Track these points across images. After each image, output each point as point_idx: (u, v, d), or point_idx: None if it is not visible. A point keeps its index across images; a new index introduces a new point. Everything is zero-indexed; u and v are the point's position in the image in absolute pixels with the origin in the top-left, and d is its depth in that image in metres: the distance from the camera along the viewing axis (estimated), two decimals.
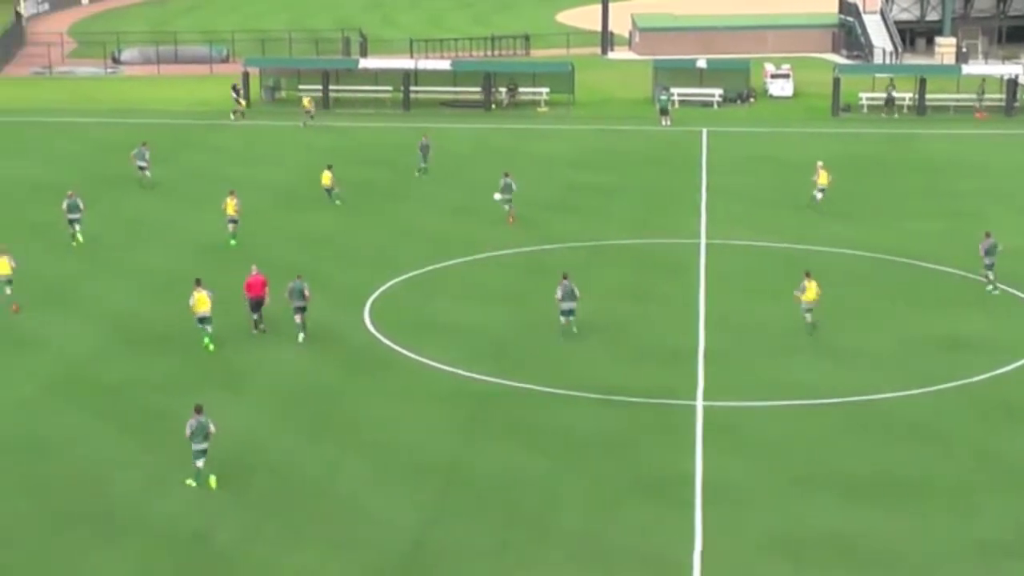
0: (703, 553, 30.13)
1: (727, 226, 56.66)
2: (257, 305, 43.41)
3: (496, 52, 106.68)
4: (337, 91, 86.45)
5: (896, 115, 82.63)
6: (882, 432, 36.53)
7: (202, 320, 42.28)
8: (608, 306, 46.30)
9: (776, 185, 64.51)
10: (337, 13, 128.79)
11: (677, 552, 30.19)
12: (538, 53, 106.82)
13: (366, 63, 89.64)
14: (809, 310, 43.58)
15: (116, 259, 52.00)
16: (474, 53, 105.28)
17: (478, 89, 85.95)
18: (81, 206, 53.66)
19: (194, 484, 33.15)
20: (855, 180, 64.29)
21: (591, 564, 29.82)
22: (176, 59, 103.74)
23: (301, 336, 42.60)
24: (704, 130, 77.82)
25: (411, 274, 49.81)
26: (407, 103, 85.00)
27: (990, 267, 47.46)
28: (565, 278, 43.43)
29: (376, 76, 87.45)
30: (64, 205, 53.73)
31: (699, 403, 38.33)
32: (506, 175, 57.74)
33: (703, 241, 54.61)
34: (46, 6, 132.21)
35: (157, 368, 40.87)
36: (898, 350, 42.60)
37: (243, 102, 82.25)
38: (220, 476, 33.39)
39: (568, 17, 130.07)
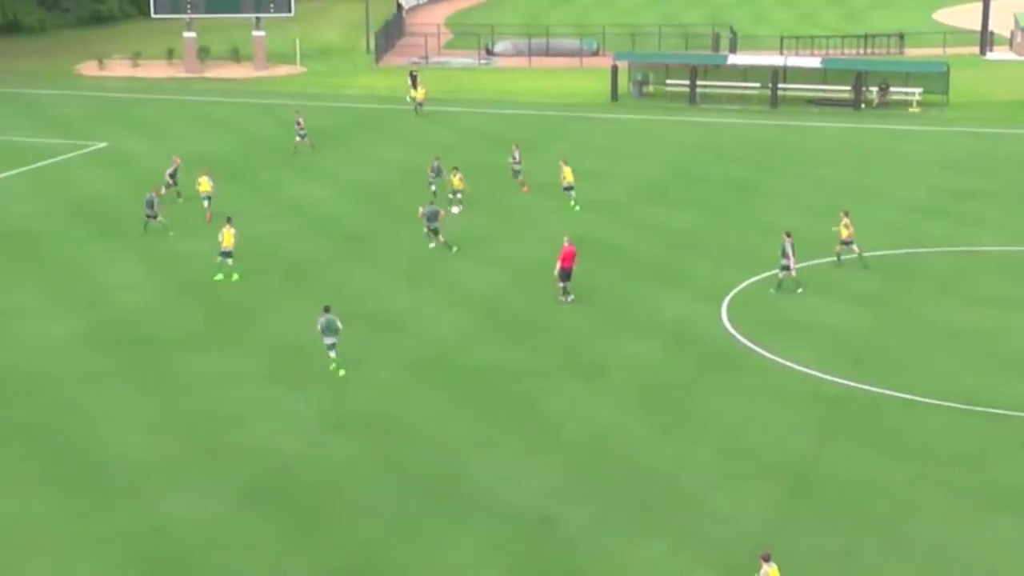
0: None
1: None
2: (567, 275, 45.29)
3: (868, 50, 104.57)
4: (704, 86, 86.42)
5: None
6: None
7: (224, 254, 48.09)
8: (975, 313, 44.87)
9: None
10: (709, 8, 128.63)
11: None
12: (912, 52, 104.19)
13: (735, 59, 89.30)
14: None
15: (484, 246, 53.39)
16: (845, 51, 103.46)
17: (848, 87, 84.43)
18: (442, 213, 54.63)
19: (343, 372, 39.39)
20: None
21: None
22: (547, 52, 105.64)
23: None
24: None
25: (771, 272, 49.39)
26: (775, 100, 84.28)
27: None
28: None
29: (744, 72, 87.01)
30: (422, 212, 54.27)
31: None
32: (436, 159, 60.41)
33: None
34: None
35: (518, 354, 41.79)
36: None
37: (416, 92, 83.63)
38: (572, 464, 33.97)
39: (946, 16, 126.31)
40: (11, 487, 33.02)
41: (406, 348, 42.26)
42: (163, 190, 57.83)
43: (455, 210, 56.96)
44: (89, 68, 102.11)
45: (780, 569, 26.63)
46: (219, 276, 48.75)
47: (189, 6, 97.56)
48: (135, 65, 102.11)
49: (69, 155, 69.92)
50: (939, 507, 32.03)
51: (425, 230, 52.65)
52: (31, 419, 36.94)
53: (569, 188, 59.41)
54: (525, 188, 62.18)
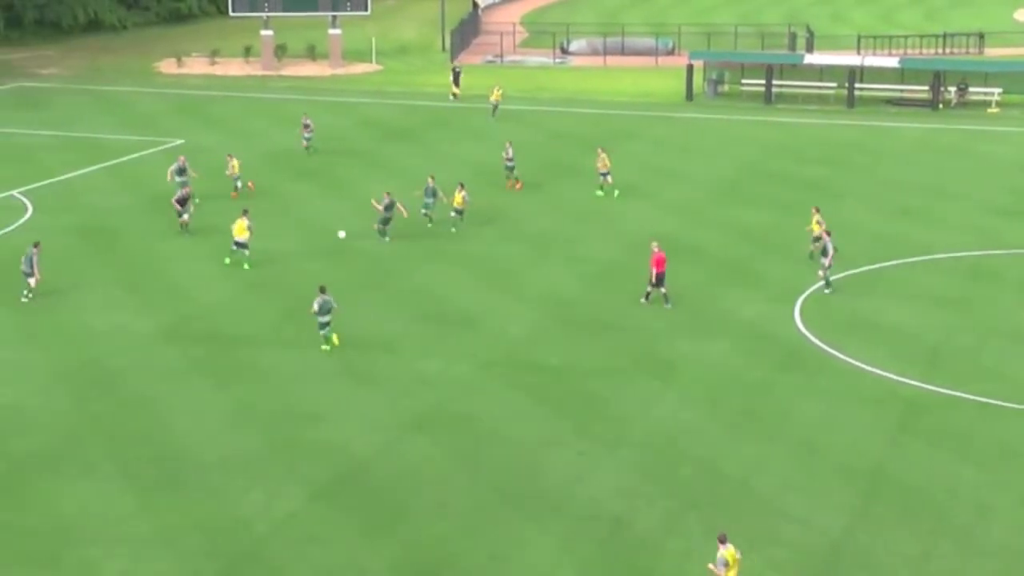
0: None
1: None
2: (660, 279, 45.18)
3: (947, 50, 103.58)
4: (780, 86, 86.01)
5: None
6: None
7: (238, 244, 50.02)
8: None
9: None
10: (786, 8, 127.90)
11: None
12: (992, 52, 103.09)
13: (811, 58, 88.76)
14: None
15: (559, 245, 53.46)
16: (924, 51, 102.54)
17: (926, 87, 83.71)
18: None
19: (327, 348, 41.37)
20: None
21: None
22: (622, 51, 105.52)
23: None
24: None
25: (847, 273, 49.12)
26: (851, 100, 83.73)
27: None
28: None
29: (821, 72, 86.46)
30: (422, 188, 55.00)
31: None
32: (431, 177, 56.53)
33: None
34: None
35: (593, 354, 41.82)
36: None
37: (456, 88, 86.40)
38: (644, 464, 34.01)
39: None
40: (91, 482, 33.46)
41: (480, 347, 42.39)
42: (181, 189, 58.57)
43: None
44: (168, 66, 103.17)
45: (856, 573, 26.52)
46: (227, 260, 50.74)
47: (267, 4, 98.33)
48: (213, 63, 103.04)
49: (148, 151, 70.69)
50: (1017, 512, 31.73)
51: (376, 225, 53.62)
52: (111, 415, 37.43)
53: (605, 174, 60.86)
54: (518, 185, 62.41)
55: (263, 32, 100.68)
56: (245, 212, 51.37)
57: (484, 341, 42.93)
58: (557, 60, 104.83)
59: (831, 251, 46.52)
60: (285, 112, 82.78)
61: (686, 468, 34.03)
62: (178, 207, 54.92)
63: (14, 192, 62.46)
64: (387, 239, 53.48)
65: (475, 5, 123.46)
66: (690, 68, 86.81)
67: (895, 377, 39.67)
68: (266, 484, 33.21)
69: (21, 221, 57.20)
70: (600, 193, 61.30)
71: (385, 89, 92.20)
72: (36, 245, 47.52)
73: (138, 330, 44.07)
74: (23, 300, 46.73)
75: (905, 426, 36.48)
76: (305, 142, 70.70)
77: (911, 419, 36.94)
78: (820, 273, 47.03)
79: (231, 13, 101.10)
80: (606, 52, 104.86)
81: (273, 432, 36.14)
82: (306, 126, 70.92)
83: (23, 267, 46.93)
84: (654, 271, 45.49)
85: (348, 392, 38.90)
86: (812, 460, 34.42)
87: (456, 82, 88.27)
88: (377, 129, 77.76)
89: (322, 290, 42.06)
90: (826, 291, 46.81)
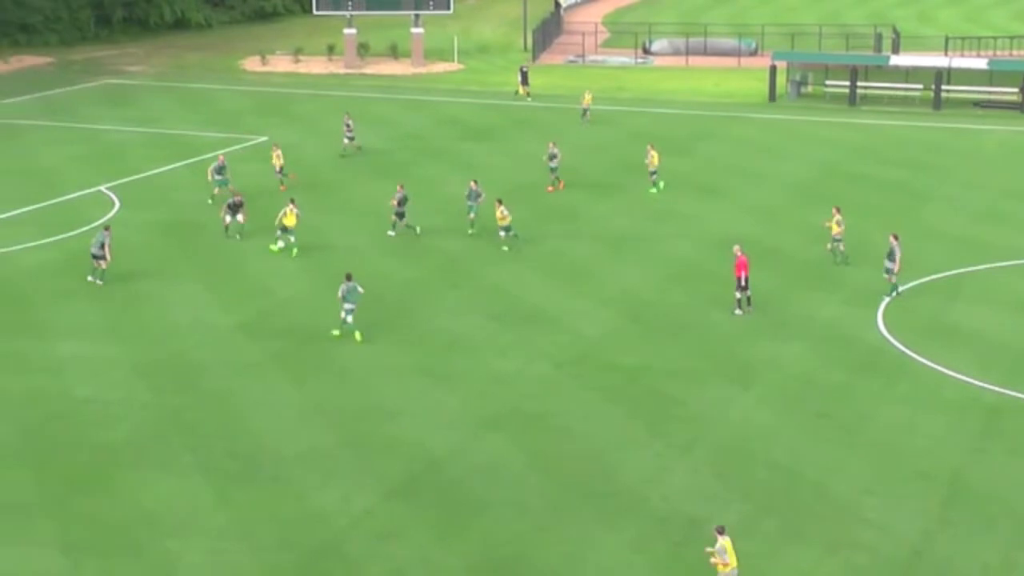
0: None
1: None
2: (744, 285, 44.91)
3: None
4: (865, 87, 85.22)
5: None
6: None
7: (284, 229, 51.46)
8: None
9: None
10: (871, 8, 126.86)
11: None
12: None
13: (897, 60, 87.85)
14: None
15: (636, 245, 53.31)
16: (1014, 52, 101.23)
17: (1015, 90, 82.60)
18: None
19: (337, 333, 42.50)
20: None
21: None
22: (705, 51, 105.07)
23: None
24: None
25: (931, 277, 48.61)
26: (938, 102, 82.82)
27: None
28: None
29: (906, 73, 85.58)
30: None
31: None
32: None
33: None
34: None
35: (669, 355, 41.67)
36: None
37: (524, 88, 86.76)
38: (720, 466, 33.85)
39: None
40: (168, 474, 33.81)
41: (556, 346, 42.36)
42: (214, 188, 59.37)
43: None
44: (252, 63, 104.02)
45: None
46: (275, 247, 52.07)
47: (350, 3, 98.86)
48: (296, 61, 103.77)
49: (231, 148, 71.26)
50: None
51: (393, 216, 53.92)
52: (190, 408, 37.80)
53: (653, 172, 61.46)
54: (560, 185, 62.20)
55: (346, 31, 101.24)
56: (292, 201, 52.62)
57: (560, 340, 42.88)
58: (639, 60, 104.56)
59: (898, 255, 45.91)
60: (367, 110, 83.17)
61: (762, 471, 33.81)
62: (228, 213, 54.68)
63: (102, 187, 63.25)
64: (393, 233, 54.08)
65: (557, 5, 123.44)
66: (773, 69, 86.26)
67: (978, 383, 39.18)
68: (342, 480, 33.38)
69: (108, 216, 57.88)
70: (654, 191, 61.44)
71: (466, 88, 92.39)
72: (107, 228, 49.52)
73: (218, 324, 44.47)
74: (90, 280, 48.08)
75: (987, 433, 36.01)
76: (347, 141, 70.27)
77: (993, 426, 36.46)
78: (890, 278, 46.34)
79: (315, 12, 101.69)
80: (688, 52, 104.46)
81: (349, 428, 36.33)
82: (348, 126, 70.53)
83: (93, 250, 48.30)
84: (737, 275, 45.12)
85: (424, 389, 39.02)
86: (890, 465, 34.08)
87: (524, 81, 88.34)
88: (457, 128, 77.93)
89: (348, 277, 42.93)
90: (891, 296, 46.11)
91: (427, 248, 52.54)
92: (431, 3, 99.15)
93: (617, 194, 61.31)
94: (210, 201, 59.22)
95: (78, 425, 36.77)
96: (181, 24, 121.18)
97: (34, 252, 52.79)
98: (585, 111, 79.03)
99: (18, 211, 59.08)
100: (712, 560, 27.61)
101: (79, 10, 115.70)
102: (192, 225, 56.48)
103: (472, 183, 54.95)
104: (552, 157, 62.05)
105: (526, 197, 60.62)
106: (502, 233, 52.29)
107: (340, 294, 42.72)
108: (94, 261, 48.34)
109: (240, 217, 54.28)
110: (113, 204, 60.08)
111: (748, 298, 45.19)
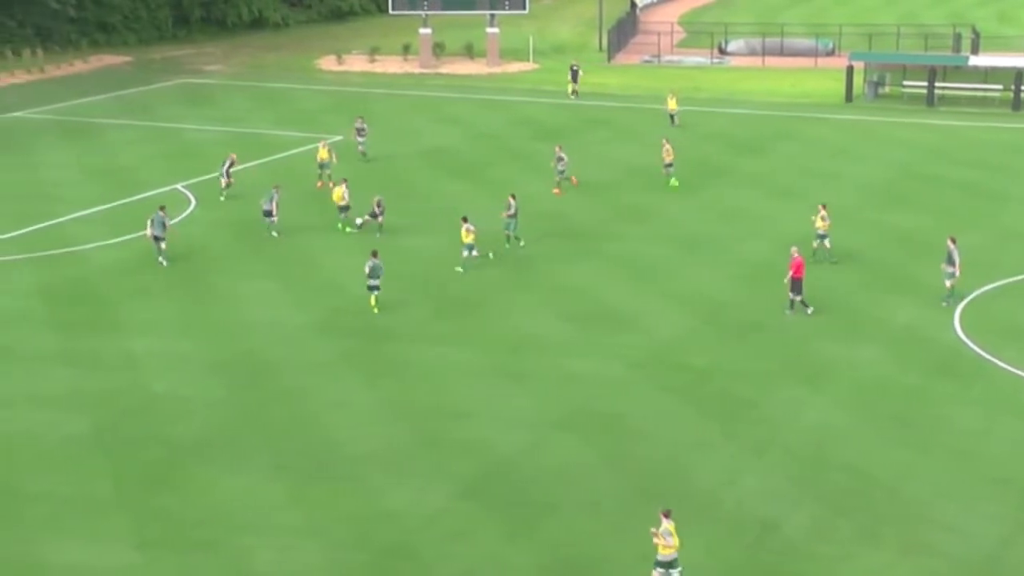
0: None
1: None
2: (798, 287, 44.57)
3: None
4: (943, 88, 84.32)
5: None
6: None
7: (342, 209, 55.22)
8: None
9: None
10: (950, 8, 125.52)
11: None
12: None
13: (976, 60, 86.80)
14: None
15: (709, 245, 53.09)
16: None
17: None
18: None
19: (376, 308, 45.19)
20: None
21: None
22: (781, 51, 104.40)
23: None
24: None
25: (1009, 280, 48.03)
26: (1018, 103, 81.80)
27: None
28: None
29: (986, 74, 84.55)
30: None
31: None
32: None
33: None
34: None
35: (743, 356, 41.47)
36: None
37: (574, 85, 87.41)
38: (793, 468, 33.66)
39: None
40: (242, 472, 34.05)
41: (629, 347, 42.26)
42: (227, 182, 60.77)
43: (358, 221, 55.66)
44: (328, 62, 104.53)
45: None
46: (350, 228, 55.39)
47: (426, 3, 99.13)
48: (372, 60, 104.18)
49: (307, 147, 71.65)
50: None
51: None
52: (263, 406, 38.06)
53: (669, 166, 62.20)
54: (574, 180, 62.17)
55: (422, 30, 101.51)
56: (344, 181, 56.33)
57: (632, 341, 42.78)
58: (715, 60, 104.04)
59: (957, 259, 45.09)
60: (442, 110, 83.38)
61: (835, 473, 33.56)
62: (267, 217, 54.83)
63: (179, 185, 63.83)
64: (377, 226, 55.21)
65: (633, 5, 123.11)
66: (850, 69, 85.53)
67: None
68: (414, 479, 33.48)
69: (185, 214, 58.40)
70: (675, 183, 61.99)
71: (541, 88, 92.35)
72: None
73: (291, 322, 44.74)
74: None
75: None
76: (360, 146, 69.30)
77: None
78: (947, 284, 45.54)
79: (391, 11, 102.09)
80: (765, 52, 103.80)
81: (421, 427, 36.43)
82: (359, 130, 69.52)
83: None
84: (789, 275, 44.73)
85: (496, 389, 39.05)
86: (966, 469, 33.72)
87: (574, 79, 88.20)
88: (531, 128, 77.90)
89: (374, 254, 45.86)
90: (947, 303, 45.34)
91: (501, 248, 52.51)
92: (507, 3, 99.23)
93: (690, 194, 61.07)
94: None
95: (152, 421, 37.14)
96: (258, 24, 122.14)
97: (109, 250, 53.38)
98: (672, 116, 77.75)
99: (96, 208, 59.75)
100: (655, 541, 27.91)
101: (157, 9, 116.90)
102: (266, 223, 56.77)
103: (510, 197, 52.62)
104: (559, 160, 61.77)
105: (595, 196, 60.54)
106: (464, 252, 49.72)
107: (366, 269, 45.53)
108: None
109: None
110: (189, 202, 60.59)
111: (802, 301, 44.72)
